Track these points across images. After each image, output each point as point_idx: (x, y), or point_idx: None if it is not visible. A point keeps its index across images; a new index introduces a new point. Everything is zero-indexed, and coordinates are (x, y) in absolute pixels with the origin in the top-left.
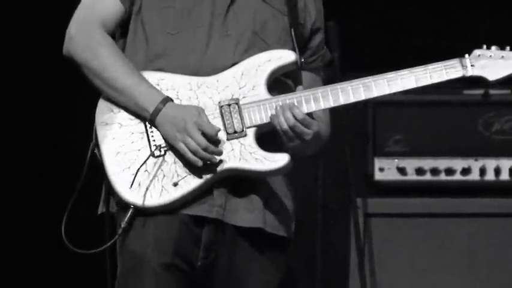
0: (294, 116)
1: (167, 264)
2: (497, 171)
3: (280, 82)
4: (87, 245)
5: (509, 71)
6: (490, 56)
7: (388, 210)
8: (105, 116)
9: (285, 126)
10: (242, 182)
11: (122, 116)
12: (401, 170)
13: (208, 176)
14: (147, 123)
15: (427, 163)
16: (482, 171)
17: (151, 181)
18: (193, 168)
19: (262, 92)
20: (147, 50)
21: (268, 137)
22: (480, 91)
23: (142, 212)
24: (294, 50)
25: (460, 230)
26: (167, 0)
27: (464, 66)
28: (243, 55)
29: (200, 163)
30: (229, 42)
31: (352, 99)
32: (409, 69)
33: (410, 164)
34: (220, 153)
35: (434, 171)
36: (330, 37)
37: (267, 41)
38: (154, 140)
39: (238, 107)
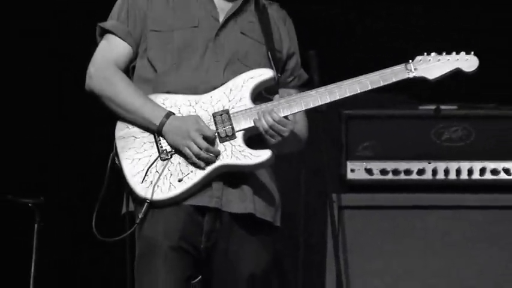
0: (272, 118)
1: (174, 247)
2: (446, 172)
3: (265, 98)
4: (111, 236)
5: (445, 71)
6: (429, 60)
7: (358, 204)
8: (122, 131)
9: (266, 126)
10: (235, 177)
11: (135, 130)
12: (369, 171)
13: (207, 172)
14: (155, 134)
15: (390, 165)
16: (434, 172)
17: (160, 179)
18: (194, 167)
19: (248, 102)
20: (155, 79)
21: (256, 140)
22: (432, 106)
23: (154, 205)
24: (272, 69)
25: (417, 220)
26: (167, 38)
27: (408, 70)
28: (230, 77)
29: (202, 164)
30: (219, 67)
31: (319, 103)
32: (365, 75)
33: (376, 166)
34: (217, 152)
35: (395, 172)
36: (310, 63)
37: (248, 66)
38: (162, 147)
39: (228, 115)
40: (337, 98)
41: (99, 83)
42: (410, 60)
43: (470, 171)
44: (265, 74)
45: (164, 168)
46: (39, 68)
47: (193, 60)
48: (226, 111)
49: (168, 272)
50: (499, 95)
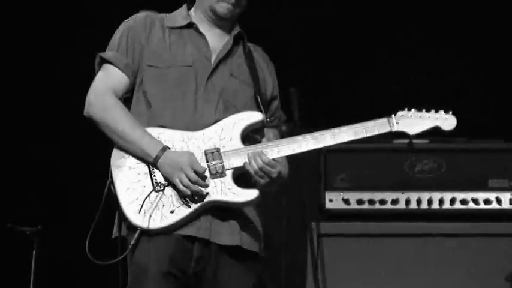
0: (262, 160)
1: (164, 272)
2: (419, 201)
3: (251, 138)
4: (105, 258)
5: (424, 128)
6: (410, 116)
7: (336, 232)
8: (118, 160)
9: (256, 168)
10: (223, 210)
11: (131, 160)
12: (346, 201)
13: (197, 206)
14: (150, 166)
15: (365, 195)
16: (407, 201)
17: (153, 210)
18: (185, 200)
19: (238, 142)
20: (149, 113)
21: (243, 178)
22: (405, 141)
23: (146, 233)
24: (261, 111)
25: (391, 247)
26: (163, 75)
27: (391, 124)
28: (220, 115)
29: (189, 193)
30: (210, 106)
31: (305, 149)
32: (350, 125)
33: (353, 196)
34: (206, 186)
35: (371, 202)
36: (291, 99)
37: (237, 107)
38: (156, 179)
39: (219, 154)
40: (321, 145)
41: (98, 111)
42: (393, 115)
43: (441, 201)
44: (256, 116)
45: (157, 199)
46: (36, 97)
47: (186, 98)
48: (218, 150)
49: None
50: (467, 130)
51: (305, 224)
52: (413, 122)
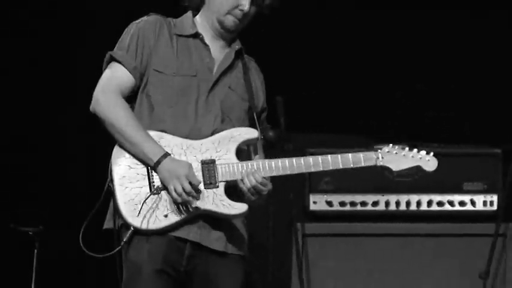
0: (255, 179)
1: (158, 270)
2: (398, 203)
3: (243, 150)
4: (100, 251)
5: (407, 166)
6: (396, 153)
7: (319, 232)
8: (119, 159)
9: (249, 186)
10: (213, 218)
11: (131, 160)
12: (329, 203)
13: (188, 213)
14: (149, 168)
15: (347, 198)
16: (387, 203)
17: (148, 211)
18: (178, 206)
19: (233, 157)
20: (151, 116)
21: (233, 189)
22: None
23: (139, 232)
24: (255, 127)
25: (371, 246)
26: (168, 81)
27: (377, 158)
28: (217, 126)
29: (180, 201)
30: (210, 116)
31: (295, 171)
32: (340, 154)
33: (336, 198)
34: (198, 198)
35: (353, 204)
36: (278, 107)
37: (232, 119)
38: (153, 182)
39: (214, 166)
40: (312, 170)
41: (104, 110)
42: (379, 150)
43: (418, 203)
44: (252, 133)
45: (153, 202)
46: (35, 97)
47: (188, 106)
48: (213, 161)
49: None
50: (442, 136)
51: (291, 225)
52: (397, 159)
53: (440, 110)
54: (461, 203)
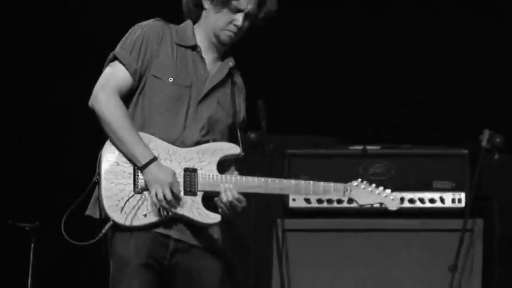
0: (232, 195)
1: (143, 263)
2: None
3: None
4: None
5: (372, 201)
6: (363, 188)
7: (298, 227)
8: (109, 154)
9: (226, 201)
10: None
11: (120, 158)
12: (307, 200)
13: (165, 217)
14: (136, 168)
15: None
16: None
17: (130, 209)
18: (157, 209)
19: (214, 168)
20: (144, 118)
21: (211, 201)
22: (360, 147)
23: (118, 227)
24: (237, 143)
25: (347, 240)
26: (164, 88)
27: (345, 191)
28: (203, 137)
29: (158, 205)
30: (197, 127)
31: (270, 192)
32: (314, 181)
33: (313, 196)
34: (175, 206)
35: (329, 201)
36: (259, 111)
37: (214, 132)
38: (138, 182)
39: (196, 175)
40: (285, 193)
41: (101, 107)
42: (349, 183)
43: None
44: (234, 150)
45: (135, 200)
46: (36, 97)
47: (179, 115)
48: (195, 170)
49: (139, 286)
50: (414, 137)
51: (271, 221)
52: (363, 194)
53: (412, 111)
54: (431, 200)
